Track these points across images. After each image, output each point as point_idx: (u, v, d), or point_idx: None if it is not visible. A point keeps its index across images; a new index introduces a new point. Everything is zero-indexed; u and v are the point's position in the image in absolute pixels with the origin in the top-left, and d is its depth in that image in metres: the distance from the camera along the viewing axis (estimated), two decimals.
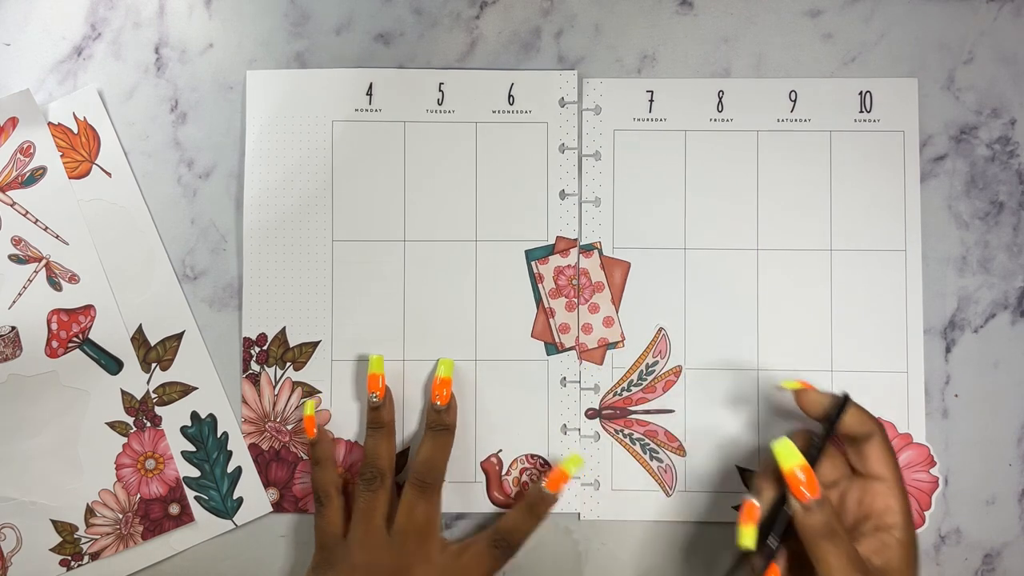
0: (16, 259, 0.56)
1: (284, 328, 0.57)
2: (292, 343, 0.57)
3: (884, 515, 0.45)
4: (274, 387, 0.56)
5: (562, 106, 0.58)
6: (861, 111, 0.57)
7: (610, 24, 0.58)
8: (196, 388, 0.56)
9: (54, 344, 0.56)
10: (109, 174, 0.57)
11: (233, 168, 0.58)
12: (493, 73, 0.58)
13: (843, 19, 0.58)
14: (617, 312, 0.57)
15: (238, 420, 0.57)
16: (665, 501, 0.56)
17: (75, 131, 0.57)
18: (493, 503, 0.56)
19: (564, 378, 0.57)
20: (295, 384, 0.57)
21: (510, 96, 0.57)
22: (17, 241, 0.56)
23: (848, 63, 0.58)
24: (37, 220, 0.56)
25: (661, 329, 0.57)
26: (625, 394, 0.57)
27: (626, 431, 0.57)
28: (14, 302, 0.56)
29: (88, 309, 0.56)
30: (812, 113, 0.57)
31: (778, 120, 0.57)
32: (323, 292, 0.57)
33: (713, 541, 0.56)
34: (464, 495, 0.56)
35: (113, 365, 0.56)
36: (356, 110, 0.58)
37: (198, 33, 0.58)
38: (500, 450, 0.56)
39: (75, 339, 0.56)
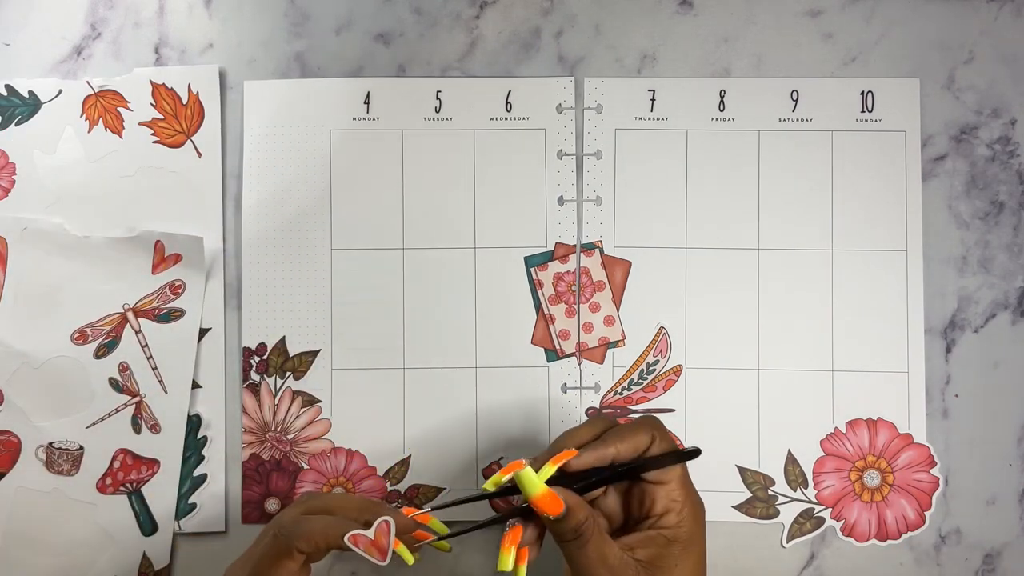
0: (115, 384, 0.55)
1: (284, 337, 0.57)
2: (292, 352, 0.57)
3: (664, 516, 0.45)
4: (274, 397, 0.56)
5: (560, 112, 0.57)
6: (863, 111, 0.57)
7: (610, 24, 0.58)
8: (200, 387, 0.56)
9: (108, 481, 0.55)
10: (200, 154, 0.57)
11: (233, 168, 0.58)
12: (490, 80, 0.58)
13: (843, 19, 0.58)
14: (618, 311, 0.57)
15: (227, 432, 0.56)
16: None
17: (184, 101, 0.57)
18: (495, 510, 0.56)
19: (565, 384, 0.57)
20: (295, 394, 0.56)
21: (507, 103, 0.57)
22: (124, 368, 0.55)
23: (848, 63, 0.58)
24: (151, 357, 0.55)
25: (662, 328, 0.57)
26: (626, 393, 0.57)
27: None
28: (94, 423, 0.55)
29: (154, 463, 0.55)
30: (814, 113, 0.57)
31: (780, 120, 0.57)
32: (322, 301, 0.57)
33: (712, 541, 0.56)
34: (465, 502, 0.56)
35: (148, 526, 0.55)
36: (354, 119, 0.57)
37: (198, 33, 0.58)
38: (502, 457, 0.56)
39: (128, 485, 0.55)
